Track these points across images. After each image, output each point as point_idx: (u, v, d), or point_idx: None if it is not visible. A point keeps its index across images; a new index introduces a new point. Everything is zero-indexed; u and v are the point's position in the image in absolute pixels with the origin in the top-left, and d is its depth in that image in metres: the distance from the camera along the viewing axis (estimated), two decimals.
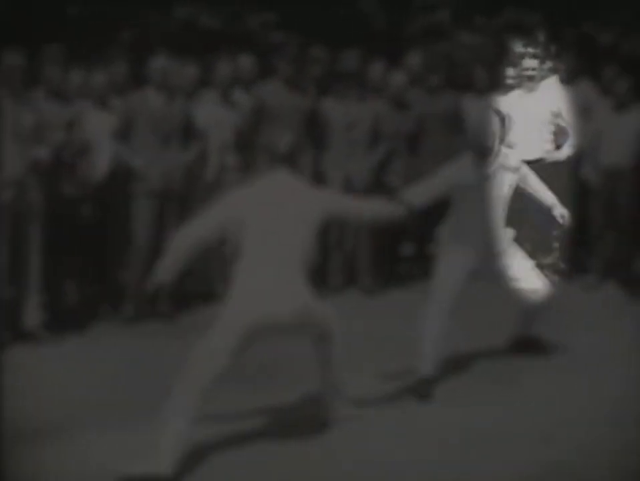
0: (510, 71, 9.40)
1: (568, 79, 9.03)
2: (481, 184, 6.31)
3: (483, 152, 6.26)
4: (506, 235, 6.56)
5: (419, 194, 6.11)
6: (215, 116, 8.18)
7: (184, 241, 5.23)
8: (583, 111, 8.75)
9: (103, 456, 5.17)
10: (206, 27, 10.89)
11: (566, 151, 8.80)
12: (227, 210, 5.26)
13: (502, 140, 6.37)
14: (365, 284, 8.62)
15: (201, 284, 8.25)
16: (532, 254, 9.01)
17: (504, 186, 6.40)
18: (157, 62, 7.94)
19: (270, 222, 5.10)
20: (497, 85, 9.33)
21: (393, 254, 9.02)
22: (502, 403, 5.91)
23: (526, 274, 6.73)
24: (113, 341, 7.25)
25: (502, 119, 6.35)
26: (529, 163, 8.74)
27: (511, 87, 9.24)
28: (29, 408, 5.76)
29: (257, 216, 5.13)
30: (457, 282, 6.25)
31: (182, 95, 8.07)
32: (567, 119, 8.76)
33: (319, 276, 8.51)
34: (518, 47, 9.66)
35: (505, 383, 6.29)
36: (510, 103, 8.95)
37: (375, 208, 5.82)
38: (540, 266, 8.87)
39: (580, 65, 9.21)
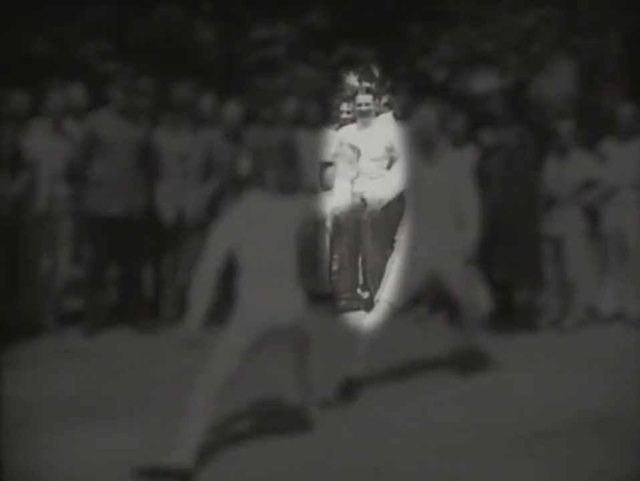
0: (345, 106, 9.50)
1: (402, 115, 9.14)
2: None
3: None
4: None
5: None
6: (45, 146, 8.00)
7: (204, 283, 5.50)
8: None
9: None
10: (39, 54, 10.66)
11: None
12: (224, 236, 5.58)
13: None
14: None
15: (29, 319, 8.02)
16: (367, 288, 9.17)
17: None
18: None
19: (261, 237, 5.51)
20: (332, 119, 9.41)
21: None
22: None
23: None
24: None
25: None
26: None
27: (346, 122, 9.34)
28: None
29: (249, 234, 5.52)
30: None
31: (12, 124, 7.87)
32: (401, 153, 8.87)
33: (152, 309, 8.44)
34: (353, 82, 9.80)
35: None
36: (345, 137, 9.07)
37: None
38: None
39: (414, 100, 9.30)
